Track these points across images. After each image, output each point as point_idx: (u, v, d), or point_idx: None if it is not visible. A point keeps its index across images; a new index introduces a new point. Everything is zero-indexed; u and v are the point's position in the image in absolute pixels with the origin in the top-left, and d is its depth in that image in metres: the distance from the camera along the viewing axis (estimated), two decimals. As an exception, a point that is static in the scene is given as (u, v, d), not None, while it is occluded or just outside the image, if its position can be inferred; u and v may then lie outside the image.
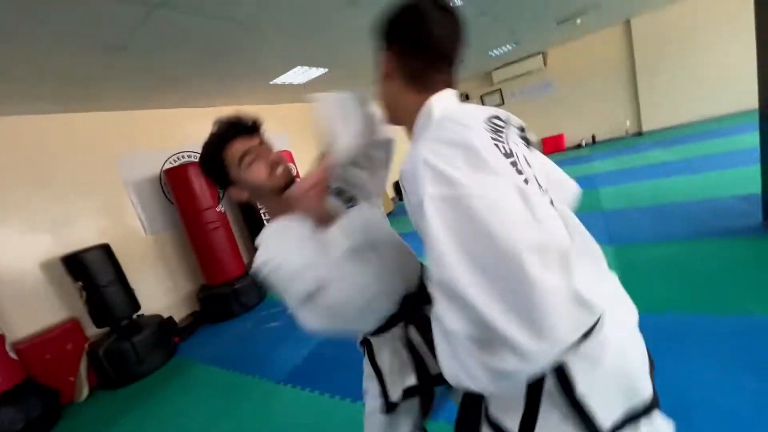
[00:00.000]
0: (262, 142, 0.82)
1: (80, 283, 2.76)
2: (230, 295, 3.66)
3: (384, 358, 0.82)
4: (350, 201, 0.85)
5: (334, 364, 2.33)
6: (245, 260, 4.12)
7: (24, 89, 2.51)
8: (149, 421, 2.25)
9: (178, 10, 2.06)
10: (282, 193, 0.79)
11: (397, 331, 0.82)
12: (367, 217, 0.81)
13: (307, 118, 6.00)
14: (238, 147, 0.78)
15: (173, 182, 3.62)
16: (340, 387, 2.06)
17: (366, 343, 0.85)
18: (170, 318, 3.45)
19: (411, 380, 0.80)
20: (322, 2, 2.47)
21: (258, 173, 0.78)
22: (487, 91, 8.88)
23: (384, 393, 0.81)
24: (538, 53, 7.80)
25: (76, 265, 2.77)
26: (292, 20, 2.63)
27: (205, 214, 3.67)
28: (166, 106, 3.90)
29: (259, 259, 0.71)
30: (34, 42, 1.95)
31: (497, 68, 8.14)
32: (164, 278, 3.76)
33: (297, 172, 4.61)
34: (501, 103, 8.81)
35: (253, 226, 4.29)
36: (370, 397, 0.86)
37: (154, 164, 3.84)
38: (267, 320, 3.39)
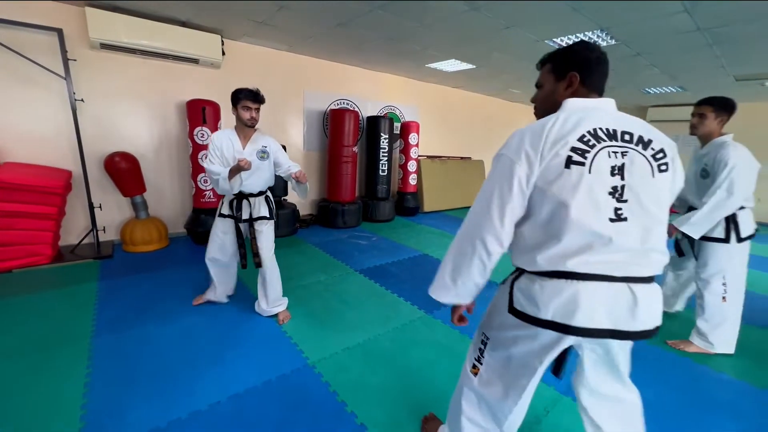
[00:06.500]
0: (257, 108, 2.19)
1: (264, 164, 4.28)
2: (339, 211, 4.95)
3: (226, 203, 2.32)
4: (262, 158, 2.24)
5: (394, 275, 3.33)
6: (357, 193, 5.36)
7: (274, 33, 3.92)
8: (280, 259, 3.62)
9: (384, 10, 3.07)
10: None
11: (234, 201, 2.29)
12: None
13: (436, 97, 6.80)
14: (248, 102, 2.13)
15: (332, 119, 4.94)
16: (395, 287, 3.06)
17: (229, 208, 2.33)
18: (297, 210, 4.90)
19: (226, 211, 2.32)
20: (483, 25, 3.23)
21: (242, 114, 2.15)
22: (635, 126, 8.30)
23: (222, 213, 2.35)
24: (715, 103, 7.00)
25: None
26: (460, 34, 3.45)
27: (344, 149, 4.94)
28: (344, 62, 5.16)
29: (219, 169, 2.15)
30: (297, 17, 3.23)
31: (655, 105, 7.58)
32: (303, 183, 5.25)
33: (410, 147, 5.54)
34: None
35: (370, 173, 5.46)
36: (218, 217, 2.37)
37: (324, 103, 5.22)
38: (358, 237, 4.58)
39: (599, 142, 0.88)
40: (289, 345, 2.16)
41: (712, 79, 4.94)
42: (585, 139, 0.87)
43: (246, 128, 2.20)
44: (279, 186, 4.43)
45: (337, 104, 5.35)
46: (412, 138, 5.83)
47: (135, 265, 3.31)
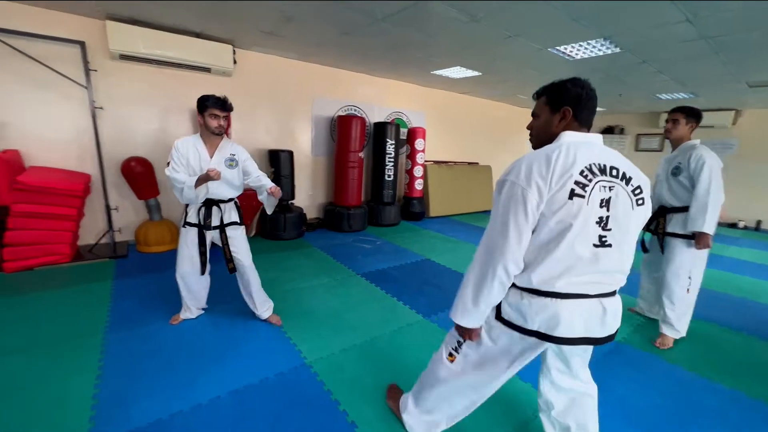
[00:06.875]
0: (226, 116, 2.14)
1: (272, 169, 4.43)
2: (345, 215, 5.05)
3: (193, 212, 2.22)
4: (230, 166, 2.19)
5: (395, 279, 3.40)
6: (363, 197, 5.46)
7: (283, 42, 4.06)
8: (285, 261, 3.73)
9: (386, 21, 3.17)
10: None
11: (201, 209, 2.20)
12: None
13: (443, 103, 6.85)
14: (215, 111, 2.06)
15: (339, 125, 5.05)
16: (395, 291, 3.13)
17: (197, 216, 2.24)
18: (304, 214, 5.02)
19: (193, 220, 2.22)
20: (485, 35, 3.30)
21: (210, 123, 2.07)
22: (648, 132, 8.18)
23: (189, 222, 2.22)
24: (731, 109, 6.86)
25: (274, 157, 4.43)
26: (462, 43, 3.51)
27: (351, 154, 5.04)
28: (351, 69, 5.27)
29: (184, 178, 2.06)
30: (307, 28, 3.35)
31: (667, 111, 7.45)
32: (310, 187, 5.38)
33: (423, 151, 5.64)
34: (659, 149, 8.06)
35: (377, 178, 5.55)
36: (183, 228, 2.25)
37: (332, 109, 5.34)
38: (362, 242, 4.66)
39: (594, 177, 0.98)
40: (288, 345, 2.25)
41: (724, 85, 4.87)
42: (584, 174, 0.97)
43: (213, 136, 2.13)
44: (286, 190, 4.55)
45: (345, 110, 5.46)
46: (419, 143, 5.89)
47: (148, 265, 3.46)
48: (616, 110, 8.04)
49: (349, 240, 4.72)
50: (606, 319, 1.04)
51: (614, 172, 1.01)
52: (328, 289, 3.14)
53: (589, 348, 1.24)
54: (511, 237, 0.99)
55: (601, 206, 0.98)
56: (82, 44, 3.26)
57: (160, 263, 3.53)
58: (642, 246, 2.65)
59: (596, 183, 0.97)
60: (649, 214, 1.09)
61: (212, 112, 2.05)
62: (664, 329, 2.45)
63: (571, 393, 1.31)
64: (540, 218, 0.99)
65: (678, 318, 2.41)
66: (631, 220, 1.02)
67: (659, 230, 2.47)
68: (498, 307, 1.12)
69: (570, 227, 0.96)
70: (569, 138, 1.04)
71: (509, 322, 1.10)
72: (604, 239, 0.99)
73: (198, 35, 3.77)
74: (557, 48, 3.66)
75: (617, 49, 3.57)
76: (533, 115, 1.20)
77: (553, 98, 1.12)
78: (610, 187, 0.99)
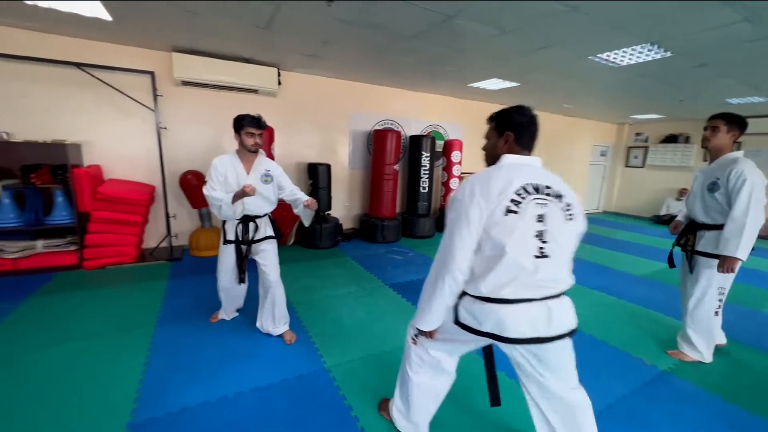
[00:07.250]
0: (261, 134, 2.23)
1: (311, 181, 4.69)
2: (379, 227, 5.16)
3: (231, 229, 2.35)
4: (266, 182, 2.28)
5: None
6: (397, 209, 5.53)
7: (322, 63, 4.33)
8: (318, 270, 3.91)
9: (417, 38, 3.26)
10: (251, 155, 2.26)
11: (239, 225, 2.32)
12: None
13: (482, 115, 6.75)
14: (251, 129, 2.16)
15: (375, 139, 5.22)
16: (418, 303, 3.14)
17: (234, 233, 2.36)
18: (340, 224, 5.21)
19: (232, 237, 2.35)
20: (515, 47, 3.26)
21: (247, 140, 2.17)
22: (718, 139, 7.34)
23: (228, 240, 2.38)
24: (823, 113, 5.97)
25: (313, 170, 4.69)
26: (494, 56, 3.51)
27: (386, 167, 5.17)
28: (387, 84, 5.43)
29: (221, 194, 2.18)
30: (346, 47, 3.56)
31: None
32: (347, 198, 5.58)
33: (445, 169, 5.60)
34: (732, 159, 7.17)
35: (412, 190, 5.61)
36: (224, 245, 2.40)
37: (369, 123, 5.54)
38: (394, 253, 4.72)
39: (529, 195, 1.11)
40: (311, 349, 2.37)
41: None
42: (519, 193, 1.10)
43: (249, 154, 2.23)
44: (323, 202, 4.78)
45: (382, 125, 5.63)
46: (455, 156, 5.87)
47: (198, 268, 3.82)
48: (678, 117, 7.34)
49: (381, 251, 4.81)
50: (552, 320, 1.13)
51: (547, 191, 1.13)
52: (356, 298, 3.23)
53: (563, 363, 1.25)
54: (456, 249, 1.12)
55: (537, 221, 1.10)
56: (152, 74, 3.77)
57: (209, 266, 3.87)
58: (669, 260, 2.49)
59: (531, 200, 1.09)
60: (583, 228, 1.19)
61: (248, 131, 2.16)
62: (684, 347, 2.39)
63: (556, 398, 1.29)
64: (482, 233, 1.11)
65: (700, 339, 2.31)
66: (564, 233, 1.14)
67: (688, 247, 2.28)
68: (456, 313, 1.25)
69: (509, 241, 1.07)
70: (509, 160, 1.19)
71: (465, 326, 1.22)
72: (542, 250, 1.10)
73: (248, 60, 4.17)
74: (599, 56, 3.50)
75: (668, 54, 3.33)
76: (485, 137, 1.34)
77: (499, 124, 1.26)
78: (544, 204, 1.11)
